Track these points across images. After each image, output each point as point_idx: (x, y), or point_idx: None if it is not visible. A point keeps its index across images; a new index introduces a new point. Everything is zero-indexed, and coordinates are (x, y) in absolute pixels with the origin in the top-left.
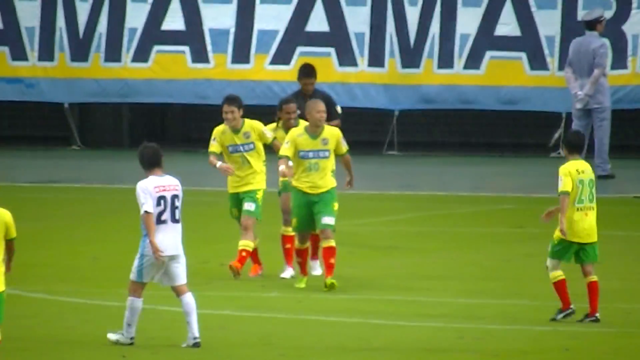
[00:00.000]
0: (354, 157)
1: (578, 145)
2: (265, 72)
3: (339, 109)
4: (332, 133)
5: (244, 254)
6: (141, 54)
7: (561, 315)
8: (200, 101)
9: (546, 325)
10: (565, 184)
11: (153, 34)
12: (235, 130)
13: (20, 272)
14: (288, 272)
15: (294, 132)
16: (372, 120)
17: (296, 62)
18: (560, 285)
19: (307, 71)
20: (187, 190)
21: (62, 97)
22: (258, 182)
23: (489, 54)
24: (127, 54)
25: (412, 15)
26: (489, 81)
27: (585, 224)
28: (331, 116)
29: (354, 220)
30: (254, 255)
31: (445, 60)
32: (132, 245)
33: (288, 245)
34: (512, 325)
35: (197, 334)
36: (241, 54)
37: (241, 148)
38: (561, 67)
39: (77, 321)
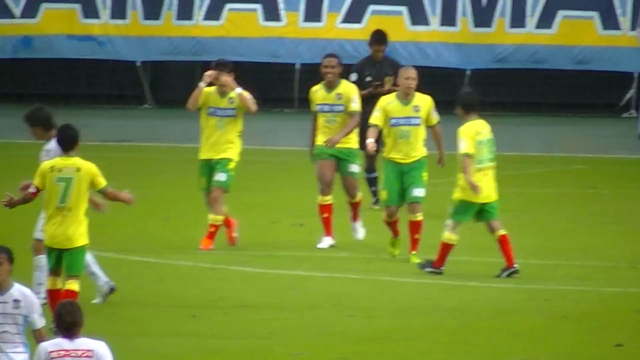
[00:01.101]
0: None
1: (474, 105)
2: (337, 31)
3: None
4: (424, 101)
5: (212, 229)
6: (213, 12)
7: (429, 269)
8: (272, 59)
9: (617, 286)
10: (468, 146)
11: None
12: (222, 94)
13: (91, 232)
14: (326, 242)
15: (384, 99)
16: (444, 80)
17: (368, 20)
18: (447, 248)
19: (378, 38)
20: (258, 149)
21: (134, 55)
22: (233, 151)
23: (561, 13)
24: (199, 12)
25: None
26: (561, 40)
27: (485, 183)
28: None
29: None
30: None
31: (518, 19)
32: (203, 205)
33: (325, 215)
34: (583, 286)
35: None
36: (313, 12)
37: (220, 112)
38: (633, 27)
39: (148, 281)
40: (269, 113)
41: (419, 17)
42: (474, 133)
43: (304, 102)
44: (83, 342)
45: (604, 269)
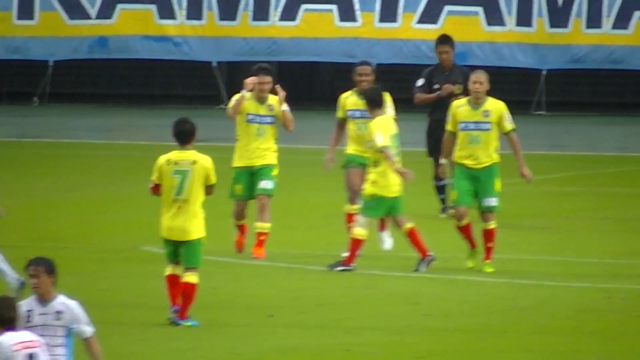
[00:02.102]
0: None
1: (377, 100)
2: (413, 31)
3: None
4: (496, 106)
5: (262, 237)
6: (289, 13)
7: (340, 268)
8: (348, 60)
9: None
10: (384, 138)
11: None
12: (261, 100)
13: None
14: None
15: (454, 104)
16: (519, 80)
17: (444, 21)
18: (357, 244)
19: (441, 39)
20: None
21: (210, 55)
22: (273, 157)
23: (637, 13)
24: (275, 12)
25: None
26: (638, 41)
27: (394, 178)
28: (467, 92)
29: (502, 180)
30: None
31: (594, 20)
32: (280, 205)
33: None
34: None
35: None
36: (389, 13)
37: (259, 119)
38: None
39: (224, 280)
40: None
41: (495, 17)
42: (387, 127)
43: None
44: (25, 335)
45: None
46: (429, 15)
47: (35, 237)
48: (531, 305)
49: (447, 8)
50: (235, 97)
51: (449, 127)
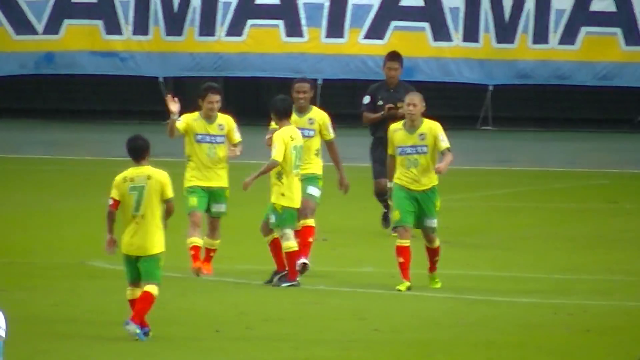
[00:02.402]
0: (449, 132)
1: (286, 111)
2: (359, 46)
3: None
4: (431, 127)
5: (211, 254)
6: (235, 28)
7: (286, 284)
8: (294, 75)
9: None
10: (279, 153)
11: (247, 7)
12: (210, 120)
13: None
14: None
15: (391, 128)
16: (466, 95)
17: (390, 36)
18: (292, 257)
19: (391, 55)
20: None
21: (156, 71)
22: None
23: (583, 29)
24: (222, 28)
25: None
26: (584, 57)
27: (297, 188)
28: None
29: (448, 196)
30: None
31: (540, 35)
32: (229, 220)
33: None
34: (606, 301)
35: None
36: (335, 28)
37: (209, 139)
38: None
39: (171, 295)
40: None
41: (441, 33)
42: (289, 138)
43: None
44: None
45: (627, 284)
46: (376, 31)
47: None
48: (478, 321)
49: (393, 23)
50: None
51: (389, 150)
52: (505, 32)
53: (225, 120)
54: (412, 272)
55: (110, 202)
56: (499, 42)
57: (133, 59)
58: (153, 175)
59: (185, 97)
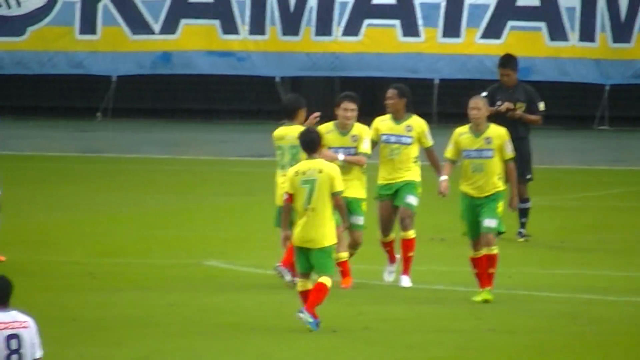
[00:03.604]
0: (565, 132)
1: (292, 110)
2: (476, 46)
3: (541, 106)
4: (498, 133)
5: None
6: (352, 28)
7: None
8: (411, 75)
9: None
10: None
11: (364, 7)
12: (344, 131)
13: (231, 246)
14: (405, 281)
15: (457, 131)
16: (583, 95)
17: (507, 36)
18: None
19: (502, 61)
20: None
21: (273, 70)
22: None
23: None
24: (338, 28)
25: None
26: None
27: None
28: (532, 111)
29: (563, 195)
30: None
31: None
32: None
33: (388, 249)
34: None
35: None
36: (452, 28)
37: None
38: None
39: (290, 295)
40: None
41: (558, 32)
42: (277, 137)
43: (443, 118)
44: (17, 315)
45: None
46: (493, 31)
47: (98, 252)
48: (594, 320)
49: (510, 23)
50: None
51: (448, 154)
52: (622, 31)
53: (359, 130)
54: (521, 271)
55: (286, 196)
56: (615, 41)
57: (250, 58)
58: (324, 169)
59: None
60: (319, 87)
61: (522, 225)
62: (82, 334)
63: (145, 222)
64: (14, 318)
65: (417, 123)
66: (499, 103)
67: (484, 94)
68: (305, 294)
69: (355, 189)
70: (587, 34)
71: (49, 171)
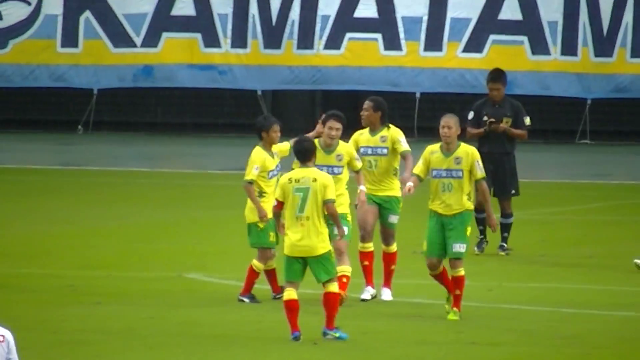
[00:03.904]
0: (546, 146)
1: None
2: (458, 60)
3: (527, 121)
4: (468, 152)
5: (344, 280)
6: (334, 41)
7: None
8: (392, 89)
9: None
10: (252, 173)
11: (346, 21)
12: (329, 150)
13: (212, 259)
14: (368, 293)
15: (428, 149)
16: (564, 109)
17: (488, 50)
18: (272, 274)
19: (493, 76)
20: None
21: (254, 84)
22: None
23: None
24: (320, 41)
25: (606, 3)
26: None
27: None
28: (517, 126)
29: (544, 209)
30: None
31: (639, 49)
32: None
33: (366, 263)
34: None
35: None
36: (434, 42)
37: (327, 170)
38: None
39: (270, 307)
40: None
41: (539, 46)
42: (260, 158)
43: (424, 131)
44: None
45: None
46: (474, 45)
47: (79, 265)
48: (574, 334)
49: (492, 37)
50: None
51: (415, 170)
52: (604, 45)
53: (344, 150)
54: (502, 285)
55: (275, 203)
56: (597, 55)
57: (231, 72)
58: (319, 178)
59: (283, 110)
60: (301, 100)
61: (504, 239)
62: (63, 347)
63: (126, 235)
64: None
65: (391, 132)
66: (485, 118)
67: (471, 113)
68: (290, 304)
69: (340, 205)
70: (569, 48)
71: (30, 184)
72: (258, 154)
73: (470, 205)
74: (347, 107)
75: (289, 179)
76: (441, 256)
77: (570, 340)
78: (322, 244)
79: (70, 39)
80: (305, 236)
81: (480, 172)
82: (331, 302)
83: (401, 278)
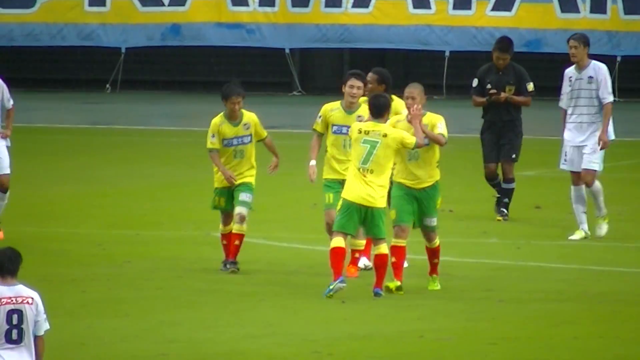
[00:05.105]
0: None
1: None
2: (487, 19)
3: (530, 87)
4: (431, 121)
5: (356, 255)
6: (362, 0)
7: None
8: (422, 47)
9: None
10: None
11: None
12: (350, 110)
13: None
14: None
15: (393, 119)
16: None
17: (517, 8)
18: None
19: (502, 46)
20: None
21: (282, 42)
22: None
23: None
24: (348, 0)
25: None
26: None
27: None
28: (521, 93)
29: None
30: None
31: None
32: None
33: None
34: None
35: None
36: (463, 0)
37: (345, 130)
38: None
39: (298, 266)
40: None
41: (569, 4)
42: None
43: (453, 90)
44: (22, 290)
45: None
46: (503, 3)
47: (108, 224)
48: (602, 292)
49: None
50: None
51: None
52: (633, 2)
53: (365, 112)
54: (530, 243)
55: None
56: (626, 13)
57: (259, 30)
58: (390, 134)
59: (311, 69)
60: (329, 59)
61: (505, 205)
62: (92, 306)
63: (154, 194)
64: (17, 293)
65: (394, 104)
66: (489, 87)
67: (475, 80)
68: (338, 251)
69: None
70: (598, 5)
71: (58, 143)
72: (213, 122)
73: (438, 175)
74: (374, 66)
75: (359, 129)
76: (411, 222)
77: (598, 298)
78: (382, 199)
79: None
80: (368, 187)
81: (441, 130)
82: (383, 265)
83: None
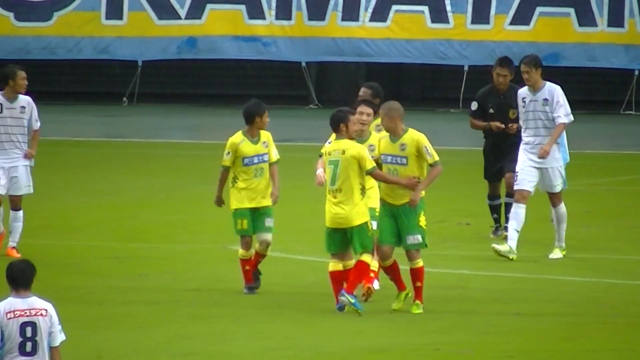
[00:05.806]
0: (592, 116)
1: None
2: (505, 33)
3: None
4: (412, 138)
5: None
6: (380, 13)
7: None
8: (439, 61)
9: None
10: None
11: None
12: (362, 139)
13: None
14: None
15: (379, 135)
16: (610, 80)
17: (535, 22)
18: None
19: (501, 61)
20: None
21: (298, 55)
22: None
23: None
24: (365, 13)
25: None
26: None
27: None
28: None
29: (589, 180)
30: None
31: None
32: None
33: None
34: None
35: None
36: (481, 14)
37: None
38: None
39: (314, 279)
40: (433, 113)
41: (586, 18)
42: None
43: (469, 103)
44: (35, 302)
45: None
46: (521, 17)
47: (125, 237)
48: (619, 304)
49: (539, 9)
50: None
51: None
52: None
53: (376, 141)
54: (545, 255)
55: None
56: None
57: (275, 43)
58: (348, 149)
59: (328, 82)
60: (345, 72)
61: (495, 220)
62: (108, 318)
63: (171, 207)
64: (31, 305)
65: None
66: (491, 111)
67: (474, 104)
68: (335, 275)
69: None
70: (615, 19)
71: (75, 156)
72: (231, 139)
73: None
74: (390, 79)
75: (326, 152)
76: (393, 244)
77: (614, 311)
78: (358, 215)
79: (114, 10)
80: (340, 208)
81: (429, 157)
82: (360, 270)
83: (446, 249)
